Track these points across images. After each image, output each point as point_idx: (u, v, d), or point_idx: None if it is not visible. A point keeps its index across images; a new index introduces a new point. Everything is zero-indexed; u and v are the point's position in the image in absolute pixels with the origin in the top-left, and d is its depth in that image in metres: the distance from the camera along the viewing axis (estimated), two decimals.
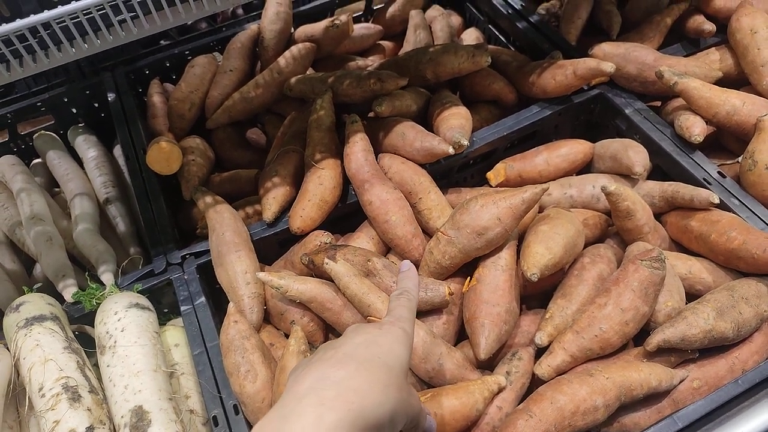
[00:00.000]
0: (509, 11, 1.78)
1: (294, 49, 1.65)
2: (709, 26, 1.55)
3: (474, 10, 1.96)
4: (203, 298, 1.22)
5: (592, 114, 1.55)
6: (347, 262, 1.15)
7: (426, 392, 1.03)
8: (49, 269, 1.32)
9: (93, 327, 1.15)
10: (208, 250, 1.29)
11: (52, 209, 1.51)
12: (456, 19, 1.99)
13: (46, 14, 0.86)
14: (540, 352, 1.11)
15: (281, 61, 1.64)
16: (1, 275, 1.40)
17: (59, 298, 1.24)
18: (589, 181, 1.36)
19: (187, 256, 1.31)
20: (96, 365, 1.10)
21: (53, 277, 1.31)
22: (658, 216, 1.31)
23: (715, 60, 1.52)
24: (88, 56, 0.97)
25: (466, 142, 1.30)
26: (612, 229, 1.33)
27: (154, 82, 1.76)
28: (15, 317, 1.10)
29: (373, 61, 1.83)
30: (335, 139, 1.42)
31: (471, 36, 1.89)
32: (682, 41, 1.62)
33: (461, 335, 1.19)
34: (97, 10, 0.90)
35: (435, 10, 1.93)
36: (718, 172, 1.29)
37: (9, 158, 1.66)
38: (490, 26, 1.90)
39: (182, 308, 1.21)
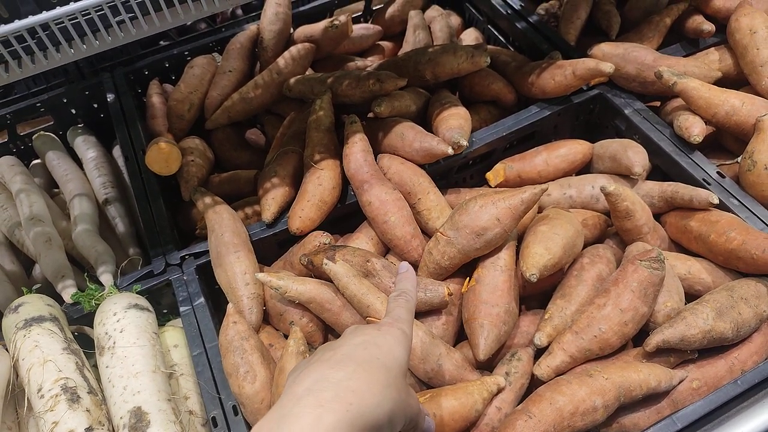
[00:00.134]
0: (508, 11, 1.78)
1: (293, 49, 1.65)
2: (709, 26, 1.55)
3: (473, 11, 1.96)
4: (202, 299, 1.22)
5: (592, 114, 1.55)
6: (346, 262, 1.15)
7: (425, 393, 1.03)
8: (48, 270, 1.32)
9: (92, 328, 1.15)
10: (208, 251, 1.29)
11: (51, 210, 1.51)
12: (455, 20, 1.99)
13: (44, 15, 0.86)
14: (539, 352, 1.11)
15: (280, 61, 1.64)
16: (0, 276, 1.40)
17: (58, 298, 1.24)
18: (589, 182, 1.36)
19: (186, 257, 1.31)
20: (95, 366, 1.10)
21: (52, 277, 1.31)
22: (658, 216, 1.31)
23: (714, 60, 1.52)
24: (87, 57, 0.97)
25: (465, 143, 1.30)
26: (611, 230, 1.33)
27: (154, 83, 1.76)
28: (14, 318, 1.10)
29: (372, 62, 1.83)
30: (334, 140, 1.42)
31: (470, 36, 1.89)
32: (682, 41, 1.62)
33: (460, 336, 1.19)
34: (96, 11, 0.90)
35: (434, 11, 1.93)
36: (718, 173, 1.28)
37: (8, 159, 1.66)
38: (489, 26, 1.90)
39: (181, 309, 1.21)
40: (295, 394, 0.65)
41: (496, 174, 1.44)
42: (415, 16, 1.87)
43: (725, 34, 1.51)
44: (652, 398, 1.02)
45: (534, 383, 1.08)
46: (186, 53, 1.82)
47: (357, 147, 1.32)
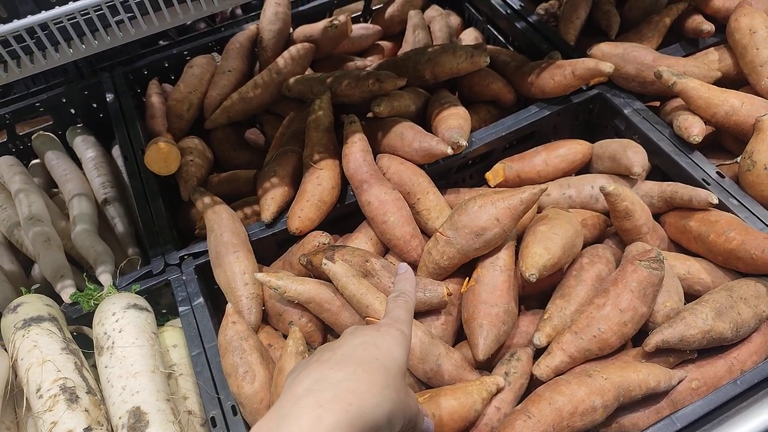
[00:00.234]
0: (508, 11, 1.78)
1: (293, 49, 1.65)
2: (708, 26, 1.55)
3: (473, 10, 1.96)
4: (201, 299, 1.22)
5: (591, 114, 1.54)
6: (345, 262, 1.15)
7: (424, 393, 1.03)
8: (47, 270, 1.32)
9: (91, 328, 1.15)
10: (207, 251, 1.29)
11: (50, 210, 1.51)
12: (455, 19, 1.98)
13: (43, 15, 0.86)
14: (538, 352, 1.10)
15: (280, 61, 1.64)
16: None
17: (57, 298, 1.24)
18: (588, 182, 1.36)
19: (185, 257, 1.31)
20: (94, 366, 1.10)
21: (51, 277, 1.30)
22: (657, 216, 1.31)
23: (713, 60, 1.52)
24: (87, 57, 0.97)
25: (464, 143, 1.30)
26: (611, 230, 1.33)
27: (153, 83, 1.76)
28: (13, 318, 1.10)
29: (371, 62, 1.83)
30: (334, 140, 1.42)
31: (470, 36, 1.89)
32: (681, 41, 1.62)
33: (460, 336, 1.18)
34: (95, 11, 0.90)
35: (434, 11, 1.93)
36: (717, 173, 1.28)
37: (7, 159, 1.66)
38: (488, 26, 1.89)
39: (180, 309, 1.21)
40: (294, 395, 0.65)
41: (495, 174, 1.44)
42: (415, 16, 1.87)
43: (725, 34, 1.51)
44: (651, 398, 1.02)
45: (533, 383, 1.08)
46: (185, 53, 1.82)
47: (356, 147, 1.32)
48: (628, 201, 1.18)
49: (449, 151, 1.29)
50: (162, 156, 1.41)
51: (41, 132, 1.76)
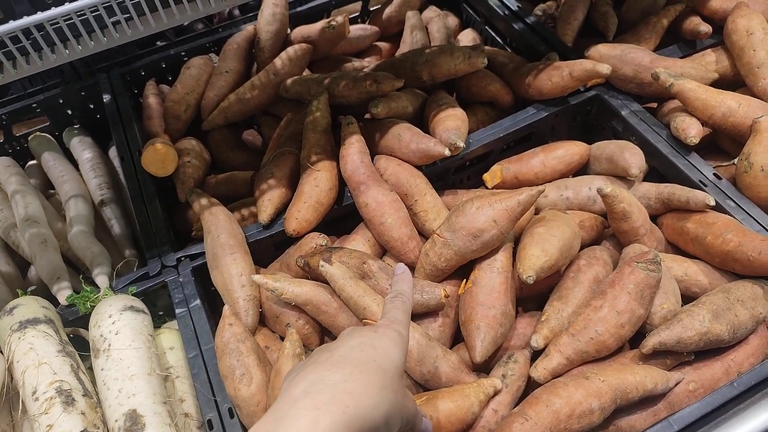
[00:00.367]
0: (506, 12, 1.78)
1: (290, 50, 1.65)
2: (706, 27, 1.55)
3: (471, 12, 1.96)
4: (198, 301, 1.22)
5: (589, 115, 1.55)
6: (343, 264, 1.15)
7: (421, 395, 1.03)
8: (43, 271, 1.32)
9: (87, 330, 1.14)
10: (204, 253, 1.28)
11: (46, 211, 1.51)
12: (453, 20, 1.99)
13: (39, 16, 0.86)
14: (536, 354, 1.10)
15: (277, 62, 1.63)
16: None
17: (53, 300, 1.23)
18: (585, 183, 1.36)
19: (182, 259, 1.30)
20: (90, 368, 1.10)
21: (48, 279, 1.30)
22: (654, 218, 1.31)
23: (711, 61, 1.52)
24: (83, 57, 0.97)
25: (462, 144, 1.30)
26: (608, 231, 1.33)
27: (150, 84, 1.75)
28: (9, 320, 1.10)
29: (369, 63, 1.83)
30: (331, 141, 1.42)
31: (467, 37, 1.89)
32: (679, 43, 1.62)
33: (457, 338, 1.18)
34: (91, 12, 0.90)
35: (431, 11, 1.93)
36: (714, 174, 1.29)
37: (4, 160, 1.65)
38: (486, 27, 1.90)
39: (177, 311, 1.21)
40: (291, 397, 0.65)
41: (493, 175, 1.44)
42: (413, 17, 1.87)
43: (722, 35, 1.51)
44: (648, 400, 1.02)
45: (531, 385, 1.08)
46: (183, 54, 1.82)
47: (354, 148, 1.32)
48: (626, 203, 1.18)
49: (447, 152, 1.29)
50: (159, 157, 1.41)
51: (38, 133, 1.75)
